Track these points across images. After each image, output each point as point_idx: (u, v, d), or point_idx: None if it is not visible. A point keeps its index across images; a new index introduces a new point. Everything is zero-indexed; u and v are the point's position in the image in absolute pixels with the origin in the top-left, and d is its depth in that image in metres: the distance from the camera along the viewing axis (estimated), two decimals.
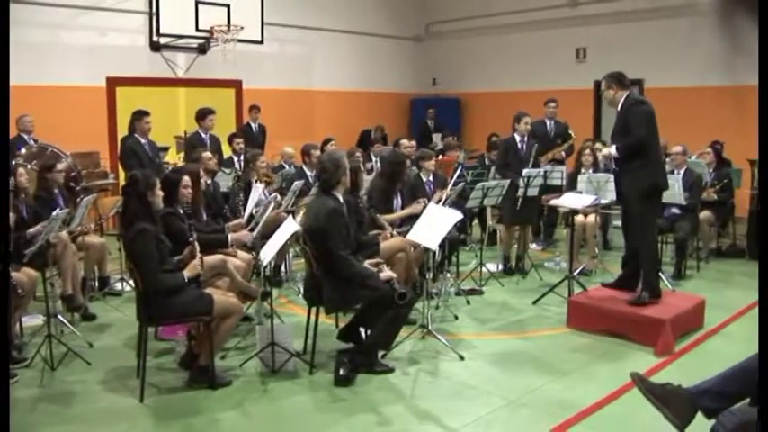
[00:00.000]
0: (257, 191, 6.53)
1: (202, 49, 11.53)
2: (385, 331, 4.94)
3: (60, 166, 6.83)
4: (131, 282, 5.80)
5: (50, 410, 4.40)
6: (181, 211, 5.33)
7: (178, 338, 5.19)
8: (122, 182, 6.63)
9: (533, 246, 8.93)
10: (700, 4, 10.99)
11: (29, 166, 6.71)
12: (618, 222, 7.10)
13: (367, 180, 7.53)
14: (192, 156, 7.12)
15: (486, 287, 7.29)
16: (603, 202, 6.89)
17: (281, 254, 7.08)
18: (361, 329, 5.15)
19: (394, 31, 14.86)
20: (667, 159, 7.58)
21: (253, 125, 11.40)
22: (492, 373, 5.04)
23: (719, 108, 10.89)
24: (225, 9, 11.09)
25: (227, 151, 9.15)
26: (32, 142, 8.29)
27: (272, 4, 11.91)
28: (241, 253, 5.76)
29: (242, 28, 10.94)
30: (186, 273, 4.58)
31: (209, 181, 6.58)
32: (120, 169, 8.80)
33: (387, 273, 5.01)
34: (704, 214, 8.17)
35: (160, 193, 4.73)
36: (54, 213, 5.13)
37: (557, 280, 6.83)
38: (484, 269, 7.49)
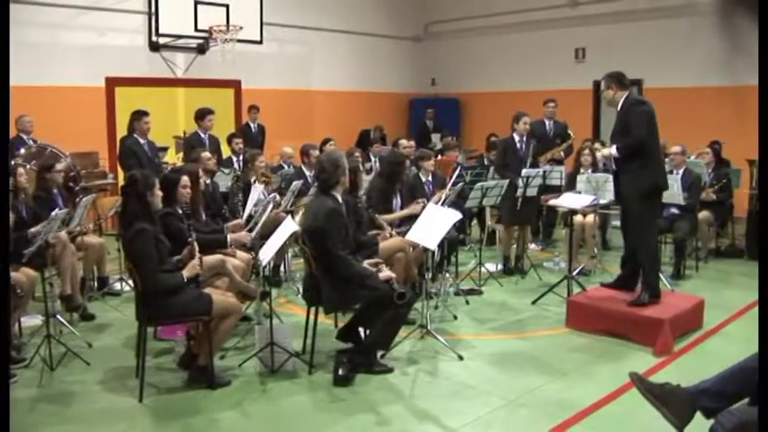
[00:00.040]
0: (257, 191, 6.53)
1: (201, 49, 11.53)
2: (384, 331, 4.94)
3: (59, 166, 6.83)
4: (130, 282, 5.81)
5: (49, 411, 4.40)
6: (180, 212, 5.33)
7: (177, 338, 5.19)
8: (121, 182, 6.61)
9: (532, 246, 8.93)
10: (699, 4, 11.00)
11: (28, 166, 6.70)
12: (617, 222, 7.10)
13: (366, 180, 7.53)
14: (191, 156, 7.12)
15: (486, 287, 7.30)
16: (602, 202, 6.89)
17: (280, 254, 7.08)
18: (361, 329, 5.15)
19: (393, 31, 14.86)
20: (666, 159, 7.58)
21: (252, 125, 11.41)
22: (491, 373, 5.04)
23: (719, 108, 10.89)
24: (224, 9, 11.09)
25: (226, 151, 9.14)
26: (31, 142, 8.28)
27: (271, 4, 11.91)
28: (240, 253, 5.76)
29: (241, 28, 10.94)
30: (185, 273, 4.58)
31: (208, 181, 6.58)
32: (120, 169, 8.80)
33: (386, 273, 5.01)
34: (703, 214, 8.18)
35: (159, 194, 4.73)
36: (53, 213, 5.12)
37: (556, 280, 6.83)
38: (483, 269, 7.49)
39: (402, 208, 6.79)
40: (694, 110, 11.03)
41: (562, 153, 9.05)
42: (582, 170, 8.16)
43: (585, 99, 12.65)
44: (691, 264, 8.02)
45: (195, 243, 4.75)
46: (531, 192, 7.48)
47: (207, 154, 6.86)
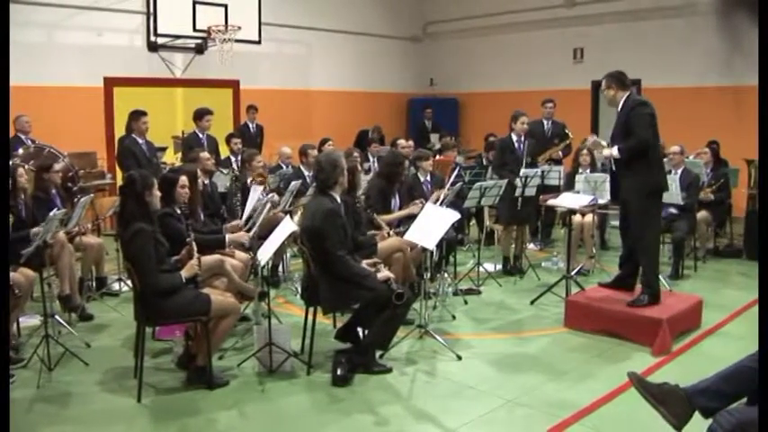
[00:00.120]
0: (256, 192, 6.53)
1: (200, 50, 11.53)
2: (382, 331, 4.94)
3: (57, 167, 6.83)
4: (129, 282, 5.80)
5: (48, 411, 4.39)
6: (178, 212, 5.33)
7: (175, 339, 5.18)
8: (120, 182, 6.61)
9: (531, 246, 8.93)
10: (698, 4, 10.99)
11: (26, 167, 6.70)
12: (615, 222, 7.10)
13: (364, 180, 7.53)
14: (189, 156, 7.11)
15: (484, 287, 7.30)
16: (601, 201, 6.90)
17: (279, 254, 7.08)
18: (359, 329, 5.15)
19: (391, 31, 14.87)
20: (665, 159, 7.59)
21: (250, 125, 11.41)
22: (489, 373, 5.04)
23: (718, 108, 10.90)
24: (222, 9, 11.09)
25: (224, 151, 9.14)
26: (30, 142, 8.28)
27: (269, 5, 11.91)
28: (238, 253, 5.76)
29: (239, 28, 10.94)
30: (184, 273, 4.57)
31: (206, 181, 6.58)
32: (118, 169, 8.80)
33: (384, 273, 5.01)
34: (701, 214, 8.19)
35: (157, 194, 4.72)
36: (51, 214, 5.11)
37: (554, 280, 6.84)
38: (481, 269, 7.49)
39: (401, 208, 6.80)
40: (693, 110, 11.03)
41: (560, 153, 9.06)
42: (580, 170, 8.18)
43: (584, 99, 12.66)
44: (689, 263, 8.02)
45: (194, 243, 4.75)
46: (530, 192, 7.48)
47: (205, 154, 6.86)
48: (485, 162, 9.54)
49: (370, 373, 4.91)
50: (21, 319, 5.67)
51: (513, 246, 7.98)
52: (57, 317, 5.41)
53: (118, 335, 5.83)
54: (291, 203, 7.07)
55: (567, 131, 9.03)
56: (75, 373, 4.96)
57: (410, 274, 6.19)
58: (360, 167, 7.18)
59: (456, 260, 7.42)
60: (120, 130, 8.92)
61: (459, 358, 5.25)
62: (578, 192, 7.16)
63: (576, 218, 7.63)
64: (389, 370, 4.98)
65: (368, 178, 7.90)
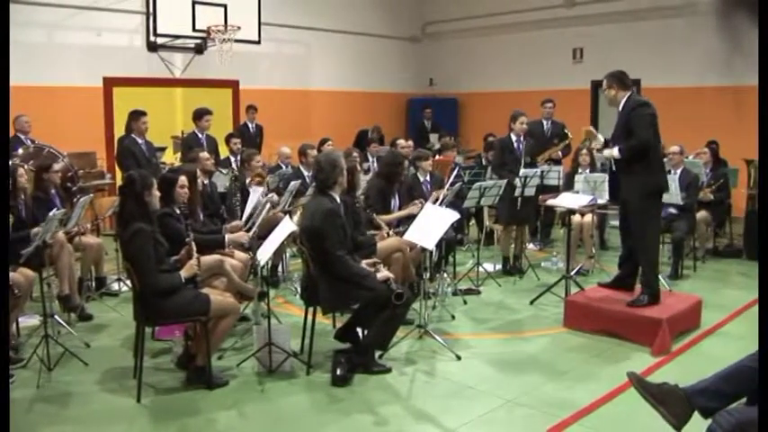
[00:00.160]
0: (256, 193, 6.52)
1: (199, 50, 11.53)
2: (382, 331, 4.94)
3: (57, 167, 6.82)
4: (128, 282, 5.80)
5: (47, 411, 4.39)
6: (177, 212, 5.33)
7: (175, 339, 5.19)
8: (119, 182, 6.62)
9: (530, 246, 8.93)
10: (698, 4, 10.99)
11: (26, 166, 6.70)
12: (615, 222, 7.10)
13: (364, 180, 7.53)
14: (188, 156, 7.11)
15: (483, 287, 7.30)
16: (600, 201, 6.90)
17: (278, 254, 7.08)
18: (359, 330, 5.15)
19: (391, 31, 14.87)
20: (664, 159, 7.59)
21: (250, 125, 11.41)
22: (489, 373, 5.04)
23: (717, 108, 10.90)
24: (222, 9, 11.09)
25: (224, 152, 9.14)
26: (29, 142, 8.28)
27: (268, 5, 11.90)
28: (238, 253, 5.76)
29: (239, 28, 10.94)
30: (183, 273, 4.57)
31: (205, 181, 6.58)
32: (117, 169, 8.80)
33: (384, 273, 5.01)
34: (701, 214, 8.19)
35: (157, 194, 4.72)
36: (51, 214, 5.11)
37: (554, 280, 6.84)
38: (481, 269, 7.49)
39: (400, 208, 6.80)
40: (693, 110, 11.03)
41: (560, 153, 9.06)
42: (580, 170, 8.18)
43: (583, 99, 12.66)
44: (689, 263, 8.03)
45: (193, 243, 4.74)
46: (529, 192, 7.48)
47: (205, 154, 6.85)
48: (484, 162, 9.54)
49: (370, 373, 4.91)
50: (20, 319, 5.68)
51: (513, 246, 7.98)
52: (56, 317, 5.41)
53: (117, 335, 5.83)
54: (291, 203, 7.06)
55: (566, 131, 9.02)
56: (74, 373, 4.96)
57: (409, 274, 6.19)
58: (359, 167, 7.18)
59: (455, 260, 7.42)
60: (119, 130, 8.93)
61: (459, 358, 5.25)
62: (578, 192, 7.16)
63: (576, 218, 7.63)
64: (389, 370, 4.98)
65: (367, 178, 7.90)
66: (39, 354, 4.95)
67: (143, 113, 8.01)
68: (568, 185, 7.84)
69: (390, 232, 6.26)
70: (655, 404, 3.34)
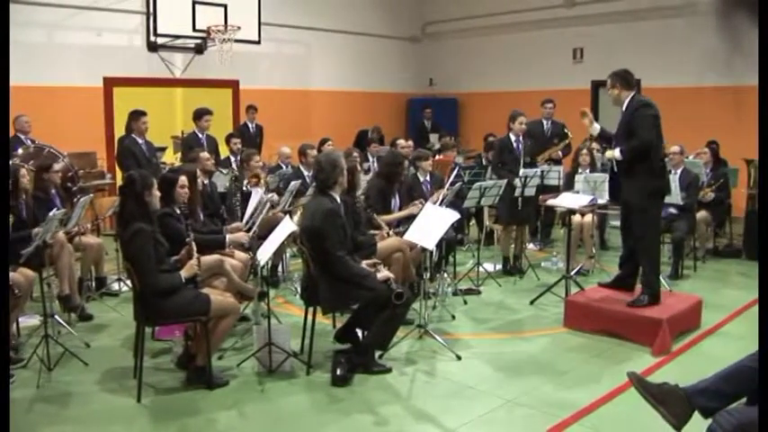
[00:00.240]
0: (257, 195, 6.52)
1: (199, 50, 11.53)
2: (382, 331, 4.94)
3: (57, 167, 6.83)
4: (128, 282, 5.80)
5: (47, 411, 4.39)
6: (178, 212, 5.32)
7: (175, 339, 5.18)
8: (119, 182, 6.61)
9: (530, 246, 8.93)
10: (698, 4, 10.98)
11: (26, 166, 6.70)
12: (615, 222, 7.10)
13: (364, 180, 7.53)
14: (189, 156, 7.11)
15: (484, 287, 7.30)
16: (600, 201, 6.90)
17: (278, 254, 7.08)
18: (358, 331, 5.15)
19: (391, 31, 14.87)
20: (665, 160, 7.59)
21: (250, 125, 11.41)
22: (489, 373, 5.04)
23: (717, 108, 10.90)
24: (222, 9, 11.09)
25: (224, 151, 9.14)
26: (29, 142, 8.28)
27: (269, 5, 11.91)
28: (238, 253, 5.76)
29: (239, 28, 10.94)
30: (183, 273, 4.57)
31: (206, 181, 6.58)
32: (118, 169, 8.80)
33: (384, 273, 5.01)
34: (701, 214, 8.19)
35: (157, 194, 4.72)
36: (51, 214, 5.11)
37: (554, 280, 6.84)
38: (481, 269, 7.49)
39: (400, 208, 6.80)
40: (693, 110, 11.02)
41: (560, 153, 9.06)
42: (580, 170, 8.18)
43: (584, 99, 12.62)
44: (689, 264, 8.03)
45: (193, 243, 4.75)
46: (530, 192, 7.48)
47: (205, 154, 6.85)
48: (484, 162, 9.54)
49: (370, 373, 4.91)
50: (20, 319, 5.67)
51: (513, 246, 7.98)
52: (56, 317, 5.40)
53: (117, 335, 5.83)
54: (291, 203, 7.07)
55: (566, 131, 9.03)
56: (74, 373, 4.96)
57: (410, 274, 6.19)
58: (359, 167, 7.18)
59: (455, 260, 7.42)
60: (119, 130, 8.93)
61: (459, 358, 5.25)
62: (578, 192, 7.16)
63: (576, 218, 7.63)
64: (389, 370, 4.98)
65: (367, 178, 7.90)
66: (39, 354, 4.95)
67: (143, 113, 8.01)
68: (569, 185, 7.84)
69: (390, 232, 6.26)
70: (655, 404, 3.34)
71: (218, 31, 10.91)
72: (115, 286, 7.06)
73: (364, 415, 4.34)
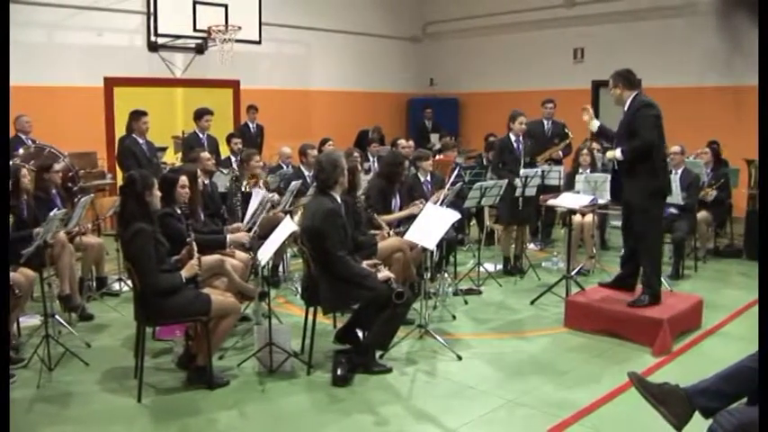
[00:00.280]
0: (257, 196, 6.52)
1: (200, 50, 11.53)
2: (382, 331, 4.94)
3: (58, 167, 6.83)
4: (129, 282, 5.80)
5: (48, 411, 4.39)
6: (178, 212, 5.32)
7: (176, 339, 5.18)
8: (120, 182, 6.62)
9: (531, 246, 8.93)
10: (698, 4, 10.98)
11: (27, 166, 6.70)
12: (615, 222, 7.10)
13: (365, 180, 7.53)
14: (189, 156, 7.12)
15: (484, 287, 7.30)
16: (601, 201, 6.90)
17: (279, 254, 7.08)
18: (359, 331, 5.15)
19: (391, 31, 14.87)
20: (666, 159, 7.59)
21: (250, 125, 11.42)
22: (489, 373, 5.04)
23: (718, 108, 10.90)
24: (222, 9, 11.09)
25: (225, 151, 9.14)
26: (30, 142, 8.28)
27: (269, 5, 11.91)
28: (239, 253, 5.76)
29: (239, 28, 10.94)
30: (184, 273, 4.57)
31: (206, 181, 6.58)
32: (118, 169, 8.80)
33: (384, 273, 5.01)
34: (702, 214, 8.19)
35: (158, 194, 4.72)
36: (51, 214, 5.12)
37: (554, 280, 6.84)
38: (482, 269, 7.49)
39: (401, 208, 6.80)
40: (693, 110, 11.01)
41: (560, 153, 9.06)
42: (580, 170, 8.18)
43: (584, 99, 12.58)
44: (689, 264, 8.02)
45: (194, 243, 4.75)
46: (530, 192, 7.48)
47: (206, 154, 6.86)
48: (485, 162, 9.54)
49: (371, 373, 4.91)
50: (21, 319, 5.67)
51: (514, 246, 7.98)
52: (57, 317, 5.40)
53: (118, 335, 5.83)
54: (292, 203, 7.07)
55: (567, 131, 9.03)
56: (75, 373, 4.96)
57: (410, 274, 6.19)
58: (360, 167, 7.18)
59: (456, 260, 7.42)
60: (120, 130, 8.93)
61: (460, 358, 5.24)
62: (578, 192, 7.16)
63: (577, 218, 7.63)
64: (389, 370, 4.98)
65: (368, 178, 7.91)
66: (39, 354, 4.95)
67: (144, 113, 8.02)
68: (569, 185, 7.84)
69: (391, 232, 6.26)
70: (655, 404, 3.34)
71: (219, 31, 10.91)
72: (116, 286, 7.07)
73: (365, 415, 4.34)
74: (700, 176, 8.14)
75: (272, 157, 10.06)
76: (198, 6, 10.91)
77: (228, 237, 5.74)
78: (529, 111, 8.15)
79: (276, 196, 6.87)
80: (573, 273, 6.91)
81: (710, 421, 3.07)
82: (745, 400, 3.24)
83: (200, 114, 8.81)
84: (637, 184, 5.65)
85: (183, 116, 10.96)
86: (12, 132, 7.88)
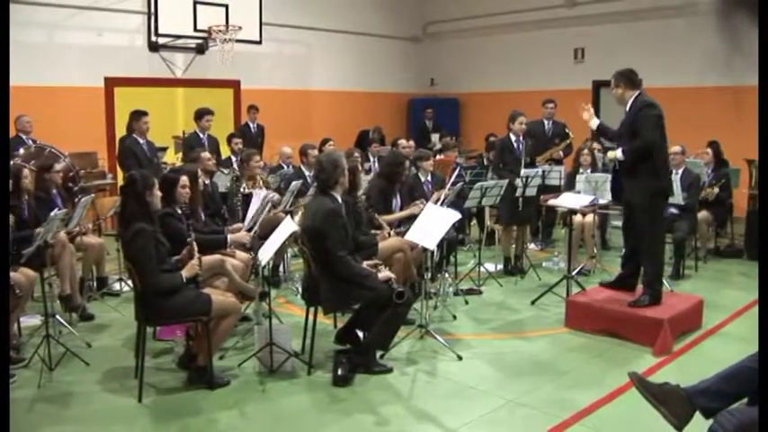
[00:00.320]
0: (258, 197, 6.52)
1: (201, 50, 11.54)
2: (383, 331, 4.94)
3: (58, 167, 6.83)
4: (130, 282, 5.80)
5: (48, 411, 4.39)
6: (179, 212, 5.33)
7: (176, 339, 5.19)
8: (120, 182, 6.62)
9: (531, 246, 8.94)
10: (698, 4, 10.98)
11: (27, 166, 6.70)
12: (616, 222, 7.10)
13: (365, 180, 7.53)
14: (190, 156, 7.12)
15: (485, 287, 7.30)
16: (602, 201, 6.90)
17: (280, 254, 7.08)
18: (359, 331, 5.15)
19: (392, 31, 14.87)
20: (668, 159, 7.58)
21: (251, 125, 11.42)
22: (490, 373, 5.04)
23: (718, 108, 10.89)
24: (223, 9, 11.09)
25: (225, 151, 9.14)
26: (31, 142, 8.29)
27: (270, 5, 11.91)
28: (239, 253, 5.76)
29: (240, 28, 10.94)
30: (184, 273, 4.58)
31: (207, 181, 6.58)
32: (119, 169, 8.80)
33: (385, 273, 5.01)
34: (702, 214, 8.18)
35: (158, 194, 4.72)
36: (52, 214, 5.12)
37: (555, 280, 6.84)
38: (482, 269, 7.49)
39: (401, 208, 6.80)
40: (693, 110, 11.00)
41: (561, 153, 9.06)
42: (581, 170, 8.17)
43: (585, 99, 12.49)
44: (690, 264, 8.02)
45: (194, 243, 4.75)
46: (531, 192, 7.47)
47: (206, 154, 6.86)
48: (485, 162, 9.55)
49: (371, 373, 4.91)
50: (21, 319, 5.68)
51: (514, 246, 7.98)
52: (57, 317, 5.41)
53: (119, 335, 5.83)
54: (292, 203, 7.07)
55: (567, 131, 9.03)
56: (75, 373, 4.97)
57: (411, 275, 6.19)
58: (360, 167, 7.18)
59: (457, 260, 7.42)
60: (120, 130, 8.94)
61: (460, 358, 5.24)
62: (579, 192, 7.16)
63: (577, 218, 7.63)
64: (390, 370, 4.98)
65: (368, 178, 7.91)
66: (40, 354, 4.95)
67: (144, 113, 8.02)
68: (570, 185, 7.84)
69: (392, 232, 6.26)
70: (656, 404, 3.34)
71: (220, 31, 10.91)
72: (116, 286, 7.07)
73: (365, 415, 4.34)
74: (700, 176, 8.14)
75: (273, 157, 10.06)
76: (198, 6, 10.91)
77: (229, 237, 5.74)
78: (529, 111, 8.15)
79: (276, 196, 6.87)
80: (573, 273, 6.91)
81: (711, 421, 3.07)
82: (745, 400, 3.24)
83: (201, 114, 8.81)
84: (638, 185, 5.65)
85: (183, 116, 10.96)
86: (12, 132, 7.89)
